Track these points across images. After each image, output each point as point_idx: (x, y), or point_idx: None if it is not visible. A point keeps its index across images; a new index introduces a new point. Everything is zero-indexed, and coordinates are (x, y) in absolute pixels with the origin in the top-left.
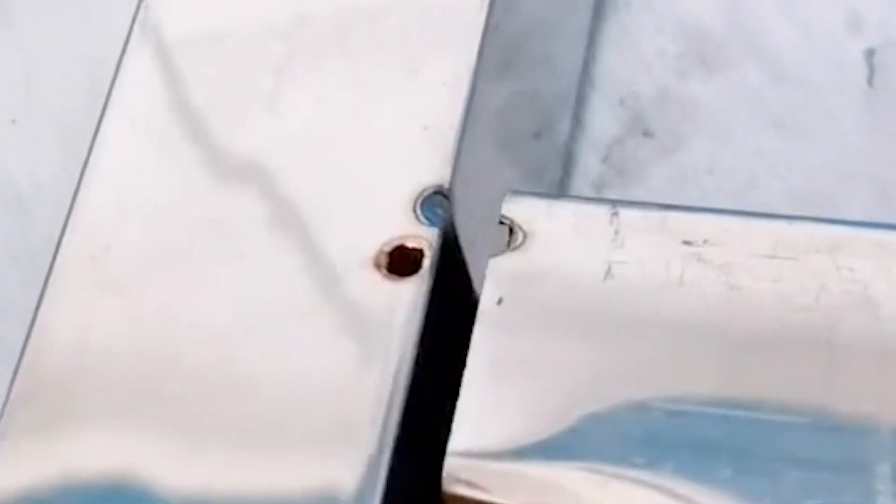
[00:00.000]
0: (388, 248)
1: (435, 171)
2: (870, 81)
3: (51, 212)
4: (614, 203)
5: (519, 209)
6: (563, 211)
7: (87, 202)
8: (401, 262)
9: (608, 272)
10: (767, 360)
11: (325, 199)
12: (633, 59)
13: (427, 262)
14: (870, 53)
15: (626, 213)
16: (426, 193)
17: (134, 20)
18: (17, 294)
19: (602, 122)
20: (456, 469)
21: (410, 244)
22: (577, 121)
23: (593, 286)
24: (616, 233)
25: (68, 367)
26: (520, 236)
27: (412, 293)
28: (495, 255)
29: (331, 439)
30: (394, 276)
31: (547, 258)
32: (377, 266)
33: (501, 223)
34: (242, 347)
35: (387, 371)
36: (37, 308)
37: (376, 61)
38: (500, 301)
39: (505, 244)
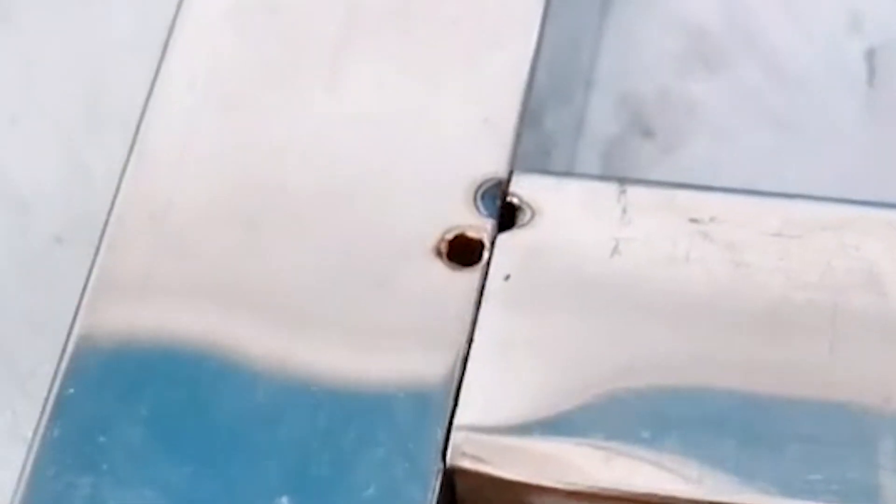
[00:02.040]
0: (449, 237)
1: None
2: (870, 81)
3: (51, 212)
4: (622, 181)
5: (526, 187)
6: (571, 188)
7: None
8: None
9: (615, 249)
10: (773, 337)
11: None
12: (633, 59)
13: (486, 255)
14: (870, 53)
15: (634, 191)
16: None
17: None
18: (16, 294)
19: (602, 121)
20: (462, 443)
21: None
22: (577, 120)
23: (600, 263)
24: (623, 210)
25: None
26: (527, 213)
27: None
28: (502, 231)
29: None
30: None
31: (554, 235)
32: (438, 254)
33: (509, 201)
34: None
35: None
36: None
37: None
38: (507, 277)
39: (512, 221)
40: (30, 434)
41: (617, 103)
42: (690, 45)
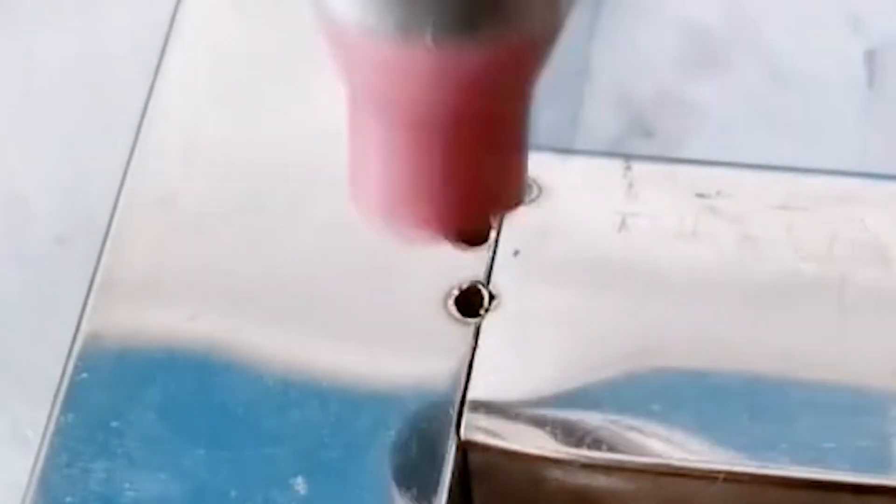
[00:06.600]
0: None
1: None
2: (870, 82)
3: (51, 212)
4: (627, 157)
5: (532, 164)
6: (578, 165)
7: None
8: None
9: (623, 224)
10: (781, 309)
11: None
12: (633, 59)
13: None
14: (870, 54)
15: (639, 167)
16: None
17: None
18: (17, 295)
19: (602, 122)
20: (474, 417)
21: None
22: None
23: (608, 238)
24: (630, 186)
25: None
26: (535, 190)
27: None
28: None
29: None
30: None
31: (561, 211)
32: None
33: None
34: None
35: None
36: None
37: None
38: (516, 253)
39: None
40: (30, 435)
41: (617, 104)
42: (690, 46)
